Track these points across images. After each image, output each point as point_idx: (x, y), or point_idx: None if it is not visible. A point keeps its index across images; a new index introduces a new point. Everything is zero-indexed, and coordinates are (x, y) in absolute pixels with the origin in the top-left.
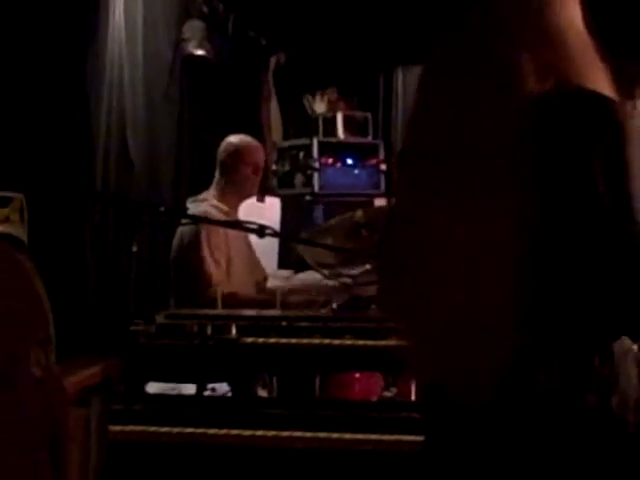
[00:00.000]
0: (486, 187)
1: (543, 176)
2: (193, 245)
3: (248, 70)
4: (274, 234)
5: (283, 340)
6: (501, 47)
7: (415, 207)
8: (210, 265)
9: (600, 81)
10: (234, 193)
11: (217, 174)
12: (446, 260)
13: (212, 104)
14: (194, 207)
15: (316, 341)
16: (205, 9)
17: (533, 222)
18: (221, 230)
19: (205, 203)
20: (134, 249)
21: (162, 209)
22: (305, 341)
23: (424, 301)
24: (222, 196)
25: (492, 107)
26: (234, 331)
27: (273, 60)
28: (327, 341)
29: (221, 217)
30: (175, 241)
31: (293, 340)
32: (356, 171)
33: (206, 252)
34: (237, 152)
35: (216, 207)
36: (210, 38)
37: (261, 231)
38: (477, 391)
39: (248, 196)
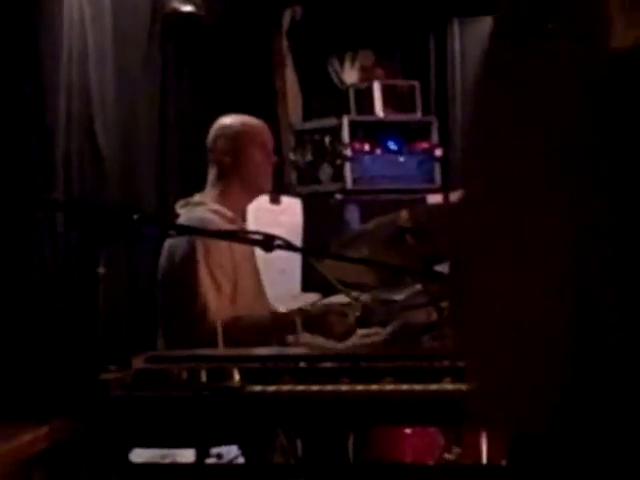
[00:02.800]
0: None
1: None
2: (187, 263)
3: (254, 31)
4: (285, 246)
5: (300, 387)
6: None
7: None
8: (209, 289)
9: None
10: (239, 191)
11: (212, 170)
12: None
13: (206, 77)
14: (187, 213)
15: (345, 387)
16: None
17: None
18: (225, 242)
19: (202, 208)
20: (100, 271)
21: (136, 217)
22: (330, 388)
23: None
24: (223, 197)
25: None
26: (237, 377)
27: (287, 16)
28: (360, 387)
29: (224, 226)
30: (162, 259)
31: (314, 387)
32: (401, 159)
33: (204, 272)
34: (239, 135)
35: (217, 212)
36: None
37: (268, 243)
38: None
39: (259, 192)
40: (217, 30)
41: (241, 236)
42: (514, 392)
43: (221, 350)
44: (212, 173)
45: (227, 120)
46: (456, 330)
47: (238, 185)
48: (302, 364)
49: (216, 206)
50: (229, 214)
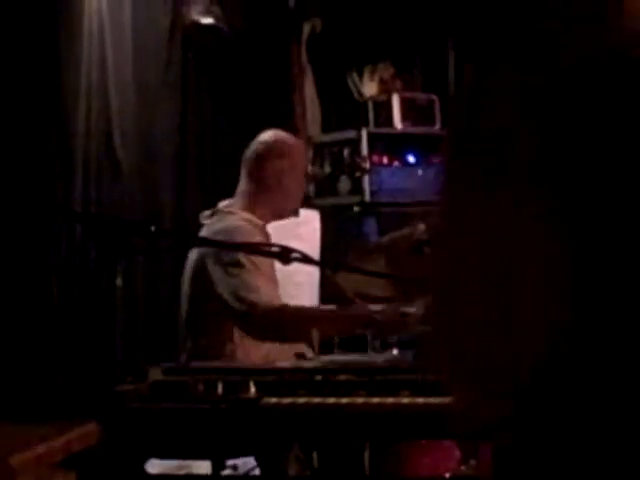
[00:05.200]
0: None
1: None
2: (233, 255)
3: (273, 43)
4: (302, 259)
5: (316, 400)
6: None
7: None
8: (259, 278)
9: None
10: (267, 210)
11: (246, 181)
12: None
13: (225, 89)
14: (217, 222)
15: (360, 400)
16: None
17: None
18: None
19: (234, 217)
20: (118, 283)
21: (153, 229)
22: (345, 401)
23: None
24: (251, 208)
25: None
26: (253, 389)
27: (307, 28)
28: (376, 400)
29: (256, 234)
30: (189, 267)
31: (330, 400)
32: (420, 171)
33: (250, 263)
34: (280, 160)
35: (249, 221)
36: (221, 2)
37: (285, 255)
38: None
39: (285, 217)
40: (237, 42)
41: (259, 249)
42: (480, 413)
43: (238, 363)
44: (245, 184)
45: (271, 138)
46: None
47: (268, 206)
48: (318, 377)
49: (247, 214)
50: (260, 223)
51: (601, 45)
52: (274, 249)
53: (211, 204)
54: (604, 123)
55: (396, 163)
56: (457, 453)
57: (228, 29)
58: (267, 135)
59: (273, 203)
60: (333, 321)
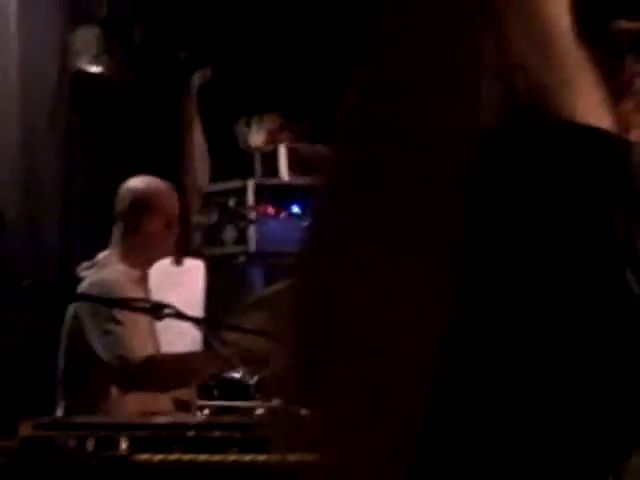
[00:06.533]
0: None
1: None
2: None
3: (163, 92)
4: (175, 315)
5: (188, 456)
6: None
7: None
8: (134, 333)
9: (590, 93)
10: (138, 254)
11: (117, 230)
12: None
13: (113, 138)
14: (94, 274)
15: (232, 457)
16: (102, 12)
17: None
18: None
19: (108, 269)
20: None
21: (26, 283)
22: (217, 458)
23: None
24: (125, 257)
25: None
26: (124, 445)
27: (197, 78)
28: (249, 457)
29: (131, 288)
30: (67, 320)
31: (202, 456)
32: (305, 222)
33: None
34: (143, 200)
35: (125, 273)
36: (110, 50)
37: (157, 311)
38: None
39: (158, 258)
40: (127, 91)
41: (131, 305)
42: None
43: (111, 418)
44: (116, 231)
45: (135, 182)
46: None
47: (137, 249)
48: (191, 433)
49: (122, 267)
50: (136, 275)
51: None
52: (147, 305)
53: (95, 249)
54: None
55: (282, 214)
56: None
57: (117, 77)
58: (136, 181)
59: (142, 251)
60: (208, 361)
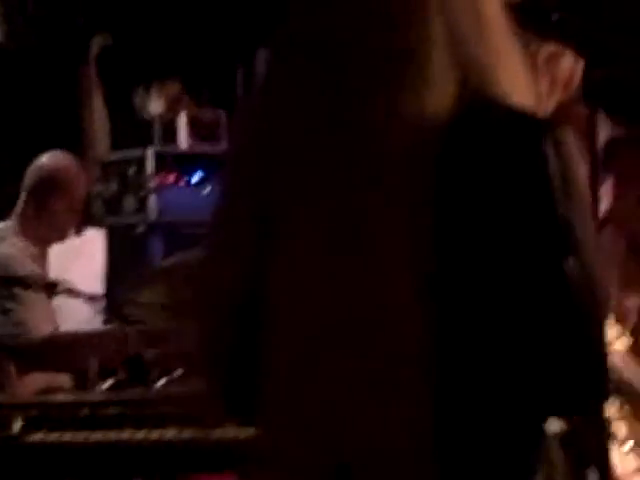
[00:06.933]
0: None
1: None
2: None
3: (60, 59)
4: (68, 291)
5: (82, 435)
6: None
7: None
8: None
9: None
10: (44, 232)
11: (22, 202)
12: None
13: (9, 107)
14: None
15: (126, 435)
16: None
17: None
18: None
19: (7, 243)
20: None
21: None
22: (112, 435)
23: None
24: (28, 233)
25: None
26: (18, 425)
27: (96, 44)
28: (142, 434)
29: (28, 264)
30: None
31: (96, 435)
32: (206, 191)
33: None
34: (53, 179)
35: (24, 249)
36: (5, 17)
37: (49, 290)
38: None
39: (59, 238)
40: (25, 59)
41: (24, 282)
42: None
43: (5, 397)
44: (21, 204)
45: (47, 160)
46: None
47: (41, 226)
48: (85, 411)
49: (20, 241)
50: (34, 251)
51: None
52: (40, 282)
53: None
54: None
55: (182, 182)
56: None
57: (12, 45)
58: (49, 159)
59: (45, 228)
60: (109, 342)
